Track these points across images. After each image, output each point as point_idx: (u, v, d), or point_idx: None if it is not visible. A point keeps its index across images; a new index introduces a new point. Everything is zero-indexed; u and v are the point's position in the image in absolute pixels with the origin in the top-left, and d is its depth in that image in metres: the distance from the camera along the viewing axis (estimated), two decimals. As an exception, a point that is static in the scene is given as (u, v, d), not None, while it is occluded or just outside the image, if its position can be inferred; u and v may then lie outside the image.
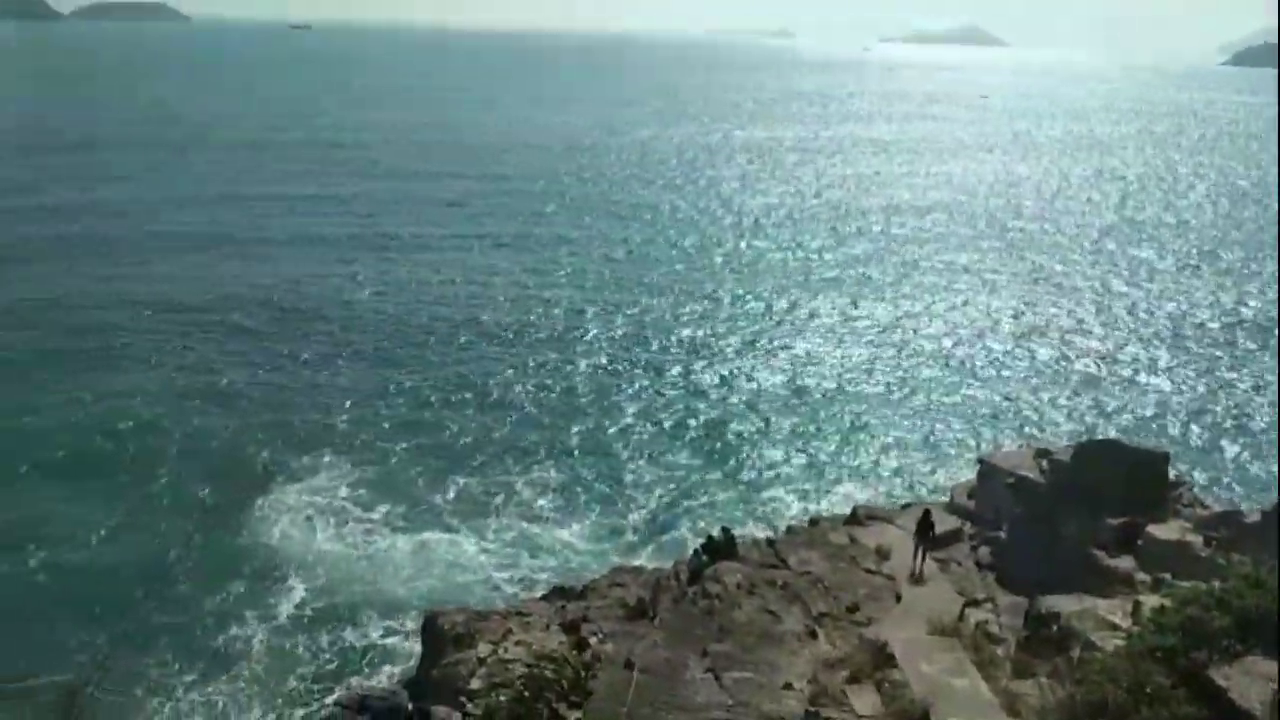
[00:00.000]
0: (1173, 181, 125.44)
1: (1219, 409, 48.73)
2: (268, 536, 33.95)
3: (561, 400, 47.24)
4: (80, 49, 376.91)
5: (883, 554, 25.69)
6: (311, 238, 76.04)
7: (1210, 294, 69.39)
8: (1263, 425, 46.90)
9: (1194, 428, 46.76)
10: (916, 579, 24.23)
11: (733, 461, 41.81)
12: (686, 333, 57.50)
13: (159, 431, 41.37)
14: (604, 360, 52.63)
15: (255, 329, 55.05)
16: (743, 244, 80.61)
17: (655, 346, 55.02)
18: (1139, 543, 24.46)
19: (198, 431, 41.56)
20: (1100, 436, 38.30)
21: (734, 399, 48.12)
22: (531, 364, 51.58)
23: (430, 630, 25.16)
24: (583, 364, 51.91)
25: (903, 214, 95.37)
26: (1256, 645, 13.96)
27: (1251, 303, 67.25)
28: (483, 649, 22.90)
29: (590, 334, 56.73)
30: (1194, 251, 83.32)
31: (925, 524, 24.90)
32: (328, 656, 28.41)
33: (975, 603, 22.76)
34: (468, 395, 47.20)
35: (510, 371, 50.35)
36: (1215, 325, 62.09)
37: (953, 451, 43.49)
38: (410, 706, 23.80)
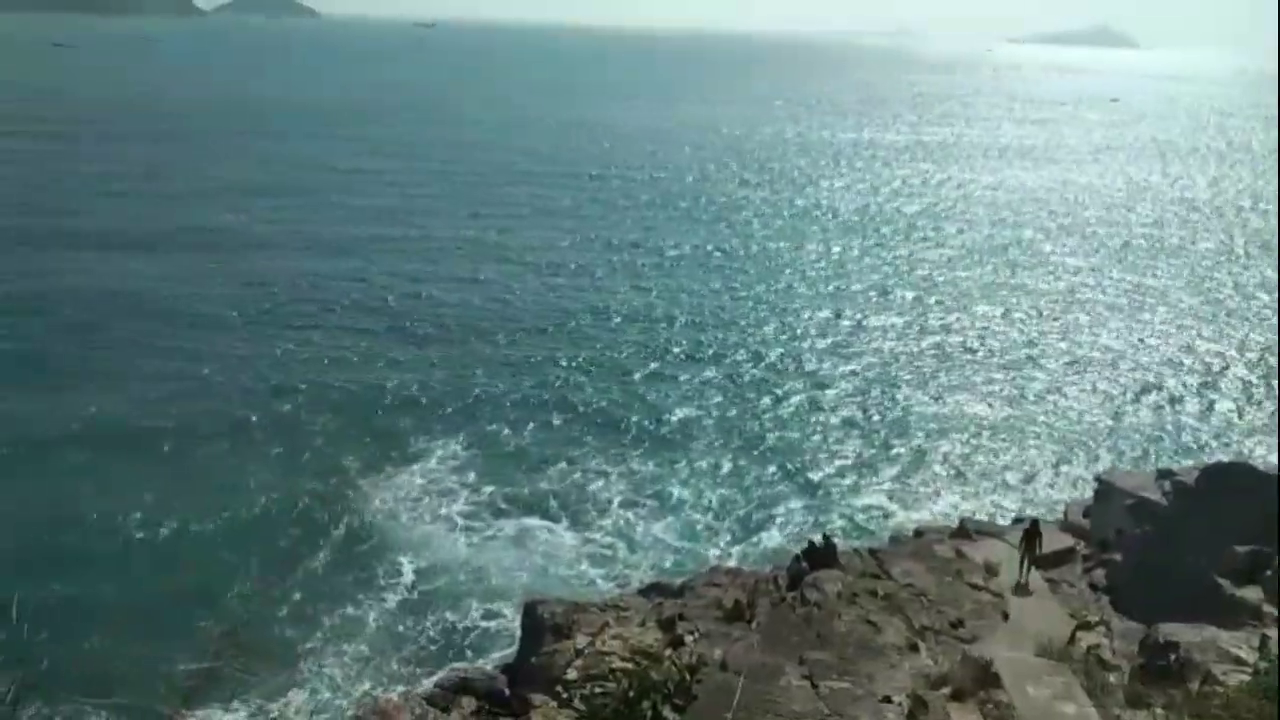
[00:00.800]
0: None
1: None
2: (381, 517, 35.21)
3: (664, 396, 47.44)
4: (232, 44, 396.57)
5: (990, 570, 24.98)
6: (421, 224, 78.36)
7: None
8: None
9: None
10: (1021, 589, 23.76)
11: (835, 467, 41.24)
12: (799, 335, 57.04)
13: (274, 415, 43.10)
14: (715, 357, 52.63)
15: (383, 314, 57.31)
16: (861, 242, 79.57)
17: (768, 348, 54.66)
18: (1268, 573, 23.18)
19: (314, 414, 43.19)
20: (1228, 459, 36.39)
21: (838, 404, 47.42)
22: (640, 359, 51.97)
23: (530, 618, 25.56)
24: (693, 362, 52.02)
25: (1020, 221, 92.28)
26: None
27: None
28: (580, 640, 23.16)
29: (708, 331, 56.74)
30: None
31: (1032, 534, 24.41)
32: (431, 636, 29.30)
33: (1087, 626, 21.91)
34: (575, 387, 47.89)
35: (618, 366, 50.84)
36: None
37: (1066, 468, 41.94)
38: (508, 692, 24.23)
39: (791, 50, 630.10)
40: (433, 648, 28.83)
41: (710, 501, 37.91)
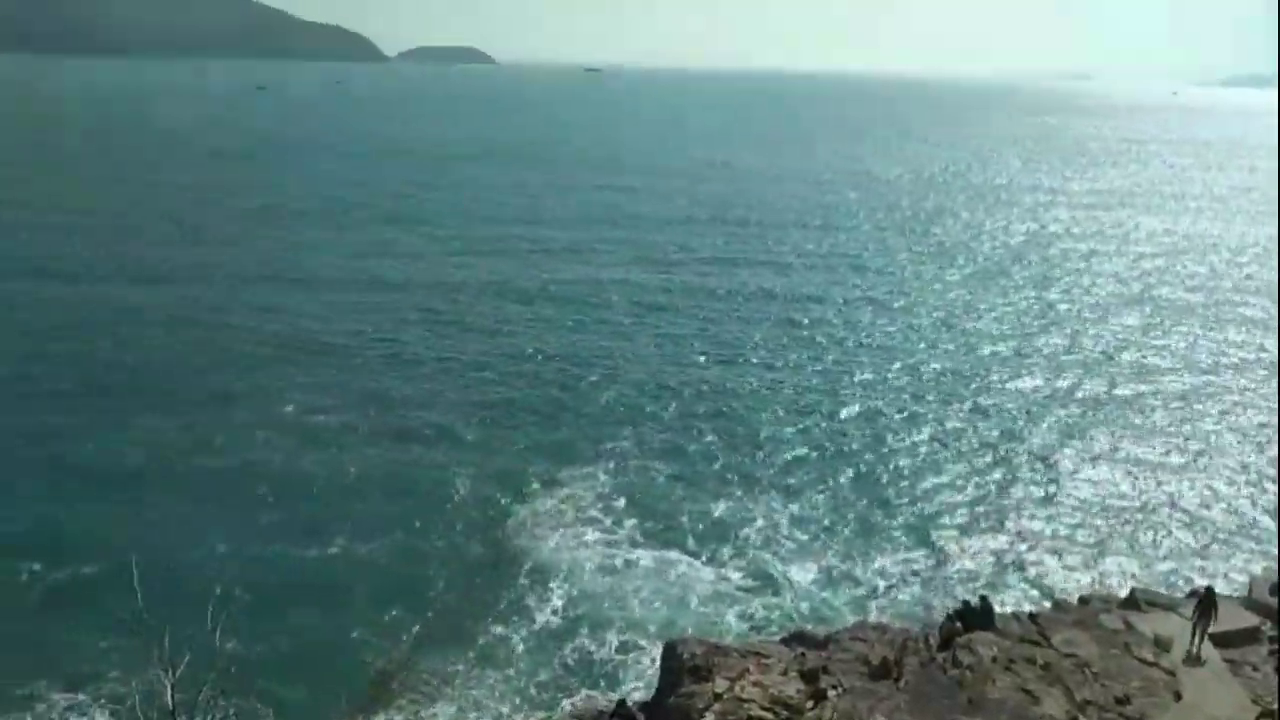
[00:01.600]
0: None
1: None
2: (527, 542, 36.12)
3: (820, 438, 46.73)
4: (412, 91, 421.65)
5: (1163, 645, 23.23)
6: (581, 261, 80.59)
7: None
8: None
9: None
10: (1191, 659, 22.31)
11: (994, 523, 39.36)
12: (969, 377, 55.73)
13: (430, 441, 45.03)
14: (872, 400, 51.72)
15: (545, 334, 60.70)
16: (1047, 294, 77.12)
17: (935, 390, 53.52)
18: None
19: (463, 442, 44.99)
20: None
21: (1005, 457, 45.35)
22: (795, 398, 51.82)
23: (669, 658, 25.47)
24: (850, 403, 51.29)
25: (1212, 273, 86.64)
26: None
27: None
28: (719, 684, 22.86)
29: (868, 371, 56.17)
30: None
31: (1207, 602, 22.87)
32: (570, 665, 29.67)
33: (1271, 715, 20.07)
34: (722, 423, 47.94)
35: (772, 405, 50.68)
36: None
37: (1252, 538, 38.68)
38: (643, 728, 24.16)
39: (978, 94, 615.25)
40: (572, 677, 29.13)
41: (861, 551, 36.81)
